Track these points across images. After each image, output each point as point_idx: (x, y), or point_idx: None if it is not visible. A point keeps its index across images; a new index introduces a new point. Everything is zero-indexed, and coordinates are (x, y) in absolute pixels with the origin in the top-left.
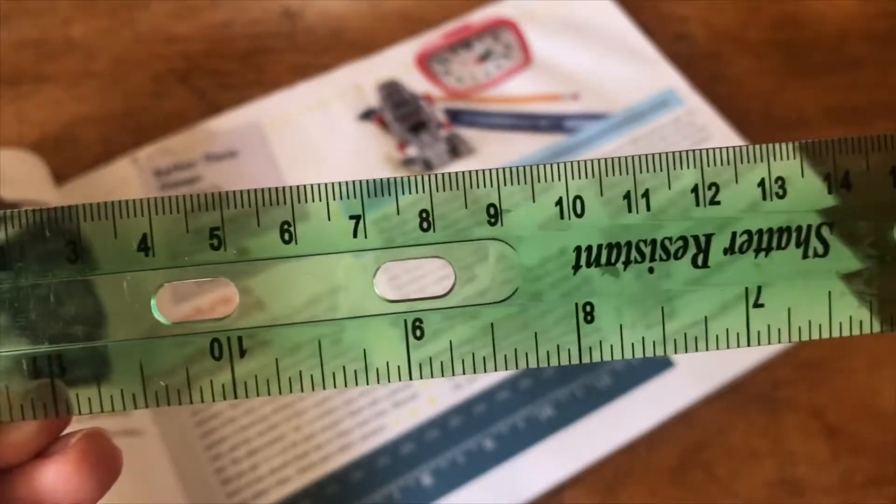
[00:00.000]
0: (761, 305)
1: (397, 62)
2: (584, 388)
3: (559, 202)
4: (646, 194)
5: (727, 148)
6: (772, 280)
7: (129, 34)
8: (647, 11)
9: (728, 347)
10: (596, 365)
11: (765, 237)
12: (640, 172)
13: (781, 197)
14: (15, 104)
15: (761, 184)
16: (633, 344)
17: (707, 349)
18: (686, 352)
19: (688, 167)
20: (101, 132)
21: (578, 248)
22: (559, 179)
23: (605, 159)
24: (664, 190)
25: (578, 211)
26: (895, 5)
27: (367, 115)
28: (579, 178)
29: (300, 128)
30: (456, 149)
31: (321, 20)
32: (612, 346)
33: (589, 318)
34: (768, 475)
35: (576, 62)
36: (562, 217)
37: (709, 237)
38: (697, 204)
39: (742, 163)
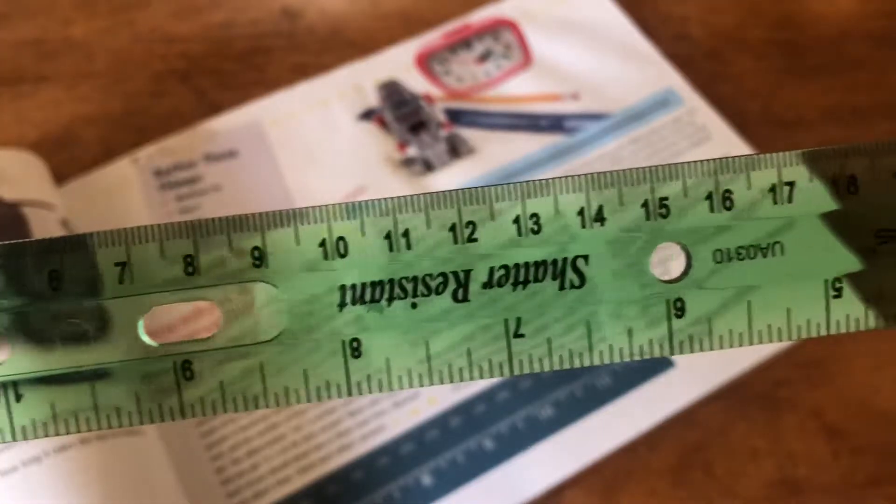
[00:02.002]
0: (521, 335)
1: (397, 62)
2: (584, 388)
3: (322, 243)
4: (406, 234)
5: (483, 188)
6: (529, 314)
7: (129, 34)
8: (647, 11)
9: (491, 376)
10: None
11: (521, 272)
12: (401, 213)
13: (536, 232)
14: (15, 104)
15: (516, 220)
16: (400, 377)
17: (471, 378)
18: (447, 382)
19: (447, 207)
20: (101, 132)
21: (343, 287)
22: (322, 221)
23: (370, 201)
24: (423, 229)
25: (342, 251)
26: (895, 5)
27: (367, 115)
28: (343, 219)
29: (300, 128)
30: (456, 149)
31: (321, 20)
32: (380, 380)
33: (356, 353)
34: (768, 475)
35: (576, 62)
36: (325, 258)
37: (467, 272)
38: (455, 242)
39: (498, 201)
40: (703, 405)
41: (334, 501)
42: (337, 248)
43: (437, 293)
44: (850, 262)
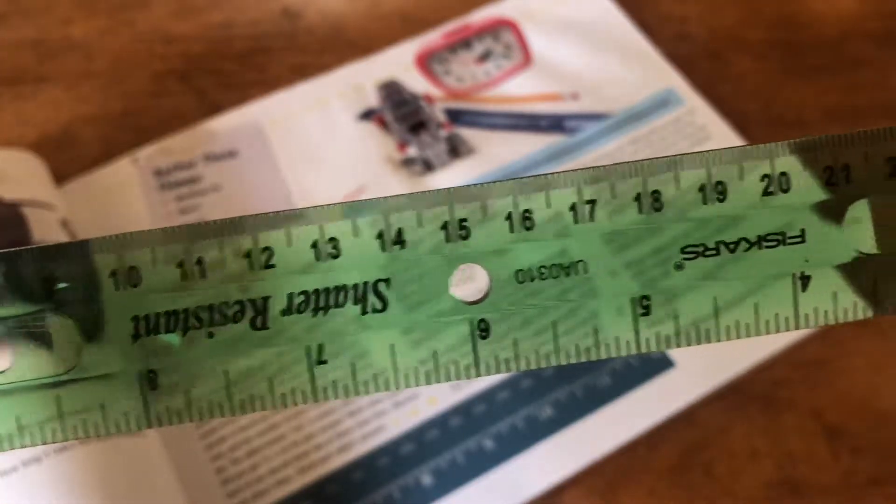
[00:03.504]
0: (324, 362)
1: (397, 62)
2: (584, 388)
3: (113, 273)
4: (200, 261)
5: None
6: (329, 339)
7: (129, 34)
8: (647, 11)
9: (296, 404)
10: (596, 365)
11: (321, 297)
12: (196, 242)
13: (335, 257)
14: (15, 104)
15: (314, 245)
16: (201, 408)
17: (266, 408)
18: (250, 412)
19: (243, 233)
20: (101, 132)
21: (136, 318)
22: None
23: (158, 230)
24: (216, 252)
25: (134, 281)
26: (895, 5)
27: (367, 115)
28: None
29: (300, 128)
30: (456, 149)
31: (321, 20)
32: (178, 411)
33: (153, 385)
34: (768, 475)
35: (576, 62)
36: (116, 288)
37: (265, 300)
38: (252, 268)
39: (295, 226)
40: (703, 405)
41: (334, 501)
42: (128, 279)
43: (235, 322)
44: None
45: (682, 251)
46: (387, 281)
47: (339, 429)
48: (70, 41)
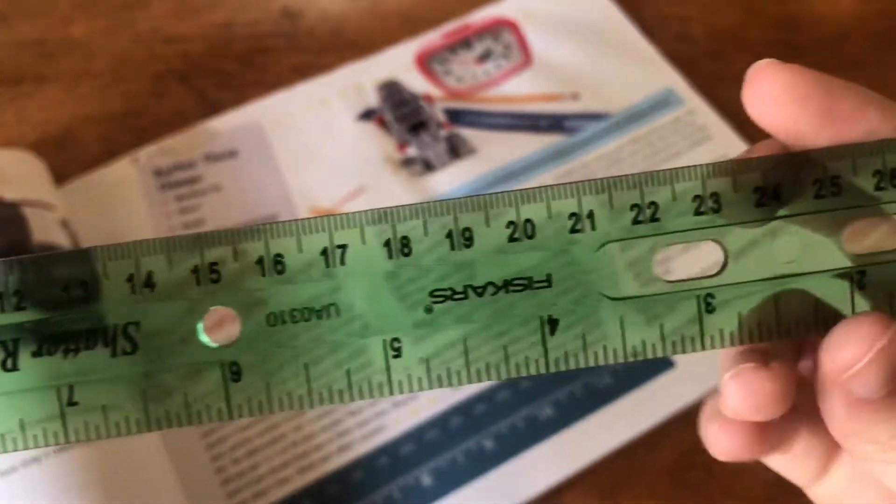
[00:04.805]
0: (75, 403)
1: (397, 62)
2: (584, 388)
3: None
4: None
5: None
6: (81, 380)
7: (129, 34)
8: (647, 11)
9: (42, 447)
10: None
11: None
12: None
13: (85, 301)
14: (15, 104)
15: (64, 290)
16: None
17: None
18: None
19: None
20: (101, 132)
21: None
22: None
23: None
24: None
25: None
26: (895, 5)
27: (367, 115)
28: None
29: (300, 128)
30: (456, 149)
31: (321, 20)
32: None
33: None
34: (768, 475)
35: (576, 62)
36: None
37: (16, 341)
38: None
39: (59, 266)
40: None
41: (334, 501)
42: None
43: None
44: None
45: (431, 295)
46: (137, 324)
47: (339, 429)
48: (70, 41)
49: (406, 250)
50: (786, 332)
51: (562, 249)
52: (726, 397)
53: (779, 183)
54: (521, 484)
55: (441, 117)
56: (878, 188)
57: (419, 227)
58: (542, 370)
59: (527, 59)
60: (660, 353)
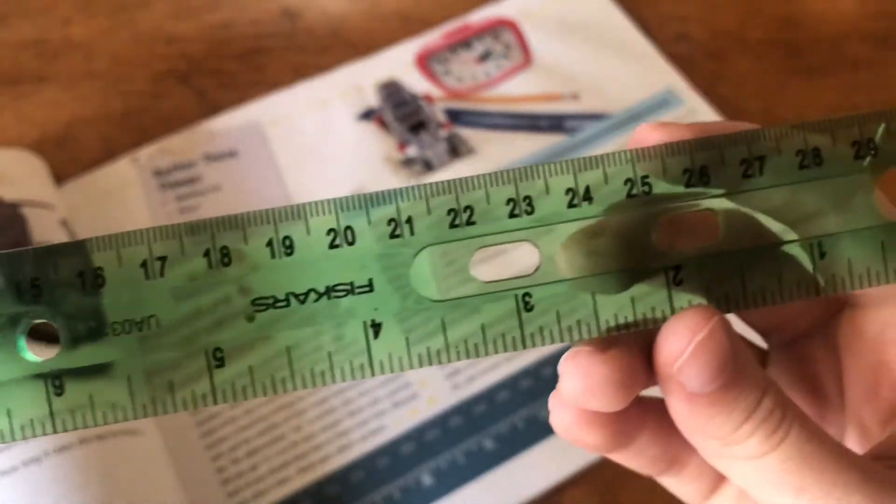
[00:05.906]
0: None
1: (397, 62)
2: None
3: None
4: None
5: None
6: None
7: (129, 34)
8: (647, 11)
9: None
10: None
11: None
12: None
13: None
14: (15, 104)
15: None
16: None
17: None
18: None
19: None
20: (101, 132)
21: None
22: None
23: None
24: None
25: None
26: (895, 5)
27: (367, 115)
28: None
29: (300, 128)
30: (456, 149)
31: (321, 20)
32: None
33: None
34: None
35: (576, 62)
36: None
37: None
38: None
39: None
40: None
41: (334, 501)
42: None
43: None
44: None
45: (254, 303)
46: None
47: (339, 429)
48: (70, 41)
49: (226, 260)
50: (605, 332)
51: (384, 254)
52: (561, 379)
53: (589, 185)
54: (521, 484)
55: (441, 117)
56: (688, 185)
57: (240, 241)
58: (368, 375)
59: (527, 59)
60: (482, 354)
